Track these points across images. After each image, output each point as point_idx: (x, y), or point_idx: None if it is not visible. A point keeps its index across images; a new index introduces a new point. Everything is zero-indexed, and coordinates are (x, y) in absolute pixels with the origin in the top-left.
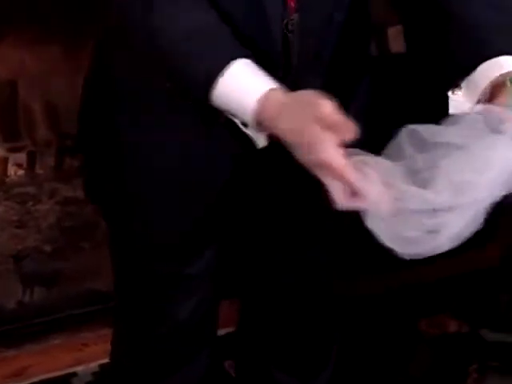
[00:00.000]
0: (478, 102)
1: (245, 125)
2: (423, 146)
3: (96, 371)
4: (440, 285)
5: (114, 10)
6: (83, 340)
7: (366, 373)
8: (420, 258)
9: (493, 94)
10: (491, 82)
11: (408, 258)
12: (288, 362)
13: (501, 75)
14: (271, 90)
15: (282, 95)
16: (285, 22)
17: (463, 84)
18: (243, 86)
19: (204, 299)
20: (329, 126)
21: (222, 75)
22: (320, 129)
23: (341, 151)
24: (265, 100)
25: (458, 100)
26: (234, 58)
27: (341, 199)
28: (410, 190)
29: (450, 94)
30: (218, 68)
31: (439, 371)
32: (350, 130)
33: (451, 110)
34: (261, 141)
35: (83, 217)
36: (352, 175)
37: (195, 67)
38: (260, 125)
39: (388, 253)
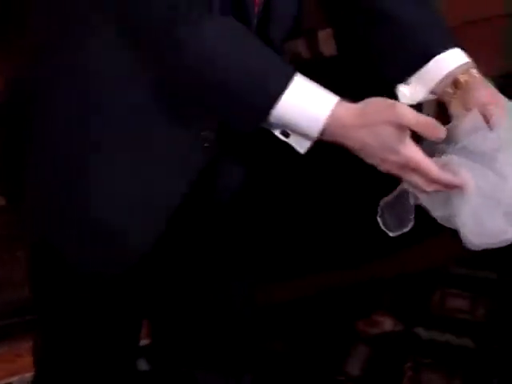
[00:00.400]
0: (432, 92)
1: (285, 135)
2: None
3: (31, 382)
4: (375, 285)
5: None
6: (17, 351)
7: (303, 372)
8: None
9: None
10: (450, 75)
11: (478, 249)
12: (209, 364)
13: (459, 67)
14: (338, 101)
15: (349, 104)
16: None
17: (412, 78)
18: (310, 100)
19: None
20: (404, 128)
21: (285, 93)
22: (399, 131)
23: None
24: (336, 111)
25: (408, 91)
26: (292, 74)
27: (426, 188)
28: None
29: (399, 86)
30: (281, 87)
31: (376, 370)
32: (437, 128)
33: (403, 100)
34: (304, 147)
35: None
36: (443, 174)
37: (251, 91)
38: (328, 135)
39: (321, 254)
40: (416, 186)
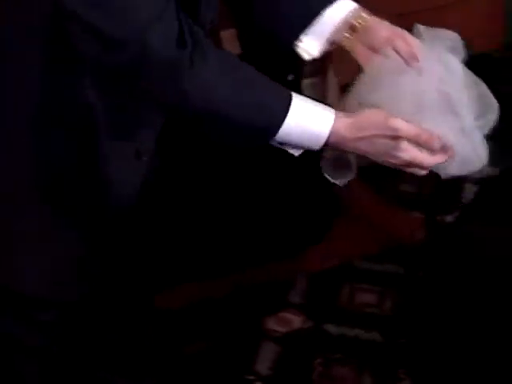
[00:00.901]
0: (333, 42)
1: (280, 143)
2: None
3: None
4: (283, 283)
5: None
6: None
7: (213, 373)
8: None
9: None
10: (343, 22)
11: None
12: (113, 368)
13: (349, 13)
14: (336, 115)
15: (345, 118)
16: None
17: (308, 34)
18: (310, 119)
19: None
20: (399, 137)
21: (287, 117)
22: (395, 141)
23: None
24: (336, 127)
25: (306, 47)
26: (290, 97)
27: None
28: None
29: (297, 43)
30: (283, 113)
31: (286, 368)
32: (431, 137)
33: (304, 56)
34: (299, 151)
35: None
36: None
37: (256, 121)
38: (329, 146)
39: (227, 255)
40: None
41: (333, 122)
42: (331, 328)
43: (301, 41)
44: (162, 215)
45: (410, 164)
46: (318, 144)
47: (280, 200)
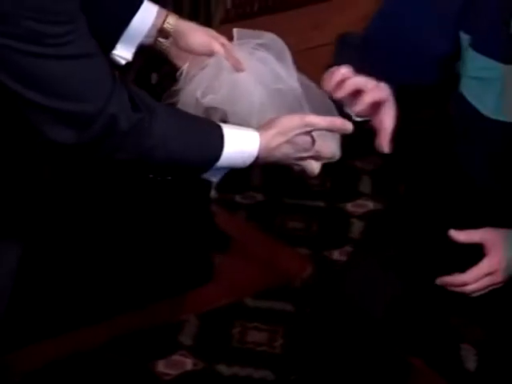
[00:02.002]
0: (150, 47)
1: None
2: None
3: None
4: (172, 325)
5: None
6: None
7: None
8: None
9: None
10: (153, 28)
11: None
12: None
13: (156, 18)
14: (259, 132)
15: (266, 131)
16: None
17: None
18: (241, 144)
19: None
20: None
21: (223, 150)
22: (310, 136)
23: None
24: (262, 142)
25: (120, 54)
26: (221, 132)
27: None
28: None
29: (113, 51)
30: (220, 147)
31: None
32: (344, 122)
33: (120, 62)
34: (218, 177)
35: None
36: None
37: (198, 158)
38: (258, 160)
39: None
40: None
41: (259, 138)
42: (223, 368)
43: (116, 49)
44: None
45: (314, 155)
46: (250, 161)
47: (162, 240)
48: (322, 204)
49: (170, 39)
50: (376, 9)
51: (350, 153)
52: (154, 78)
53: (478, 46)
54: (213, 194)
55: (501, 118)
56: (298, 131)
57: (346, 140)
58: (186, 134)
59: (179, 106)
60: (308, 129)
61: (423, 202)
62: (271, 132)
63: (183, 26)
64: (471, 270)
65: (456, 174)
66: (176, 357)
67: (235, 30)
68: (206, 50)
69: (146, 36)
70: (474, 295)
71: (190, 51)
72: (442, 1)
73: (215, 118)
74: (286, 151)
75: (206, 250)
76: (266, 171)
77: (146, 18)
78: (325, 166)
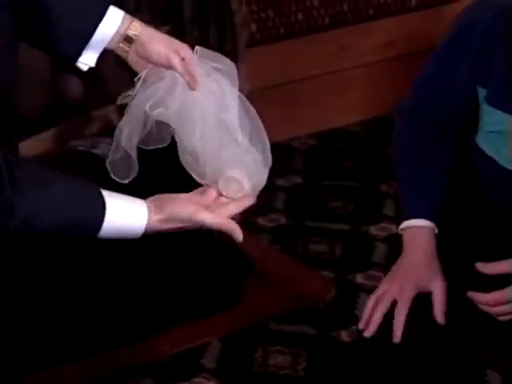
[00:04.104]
0: (114, 51)
1: None
2: None
3: None
4: (194, 348)
5: None
6: None
7: None
8: None
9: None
10: (117, 34)
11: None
12: None
13: (121, 25)
14: (148, 207)
15: (157, 213)
16: None
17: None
18: (127, 218)
19: None
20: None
21: (104, 221)
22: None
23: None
24: (149, 222)
25: (84, 61)
26: (103, 201)
27: None
28: None
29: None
30: (100, 217)
31: None
32: (237, 232)
33: (83, 68)
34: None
35: None
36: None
37: (79, 226)
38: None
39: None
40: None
41: (147, 216)
42: None
43: (81, 56)
44: None
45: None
46: (138, 235)
47: (185, 264)
48: (345, 227)
49: (132, 46)
50: (399, 35)
51: (374, 177)
52: None
53: (491, 100)
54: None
55: None
56: (183, 224)
57: (370, 165)
58: (59, 208)
59: (129, 111)
60: (195, 225)
61: (452, 232)
62: (158, 217)
63: (146, 34)
64: (494, 293)
65: (483, 206)
66: (199, 379)
67: (198, 48)
68: (163, 62)
69: (109, 42)
70: (501, 319)
71: (148, 60)
72: (463, 58)
73: (164, 130)
74: (171, 228)
75: (229, 273)
76: (289, 194)
77: (112, 24)
78: (349, 190)
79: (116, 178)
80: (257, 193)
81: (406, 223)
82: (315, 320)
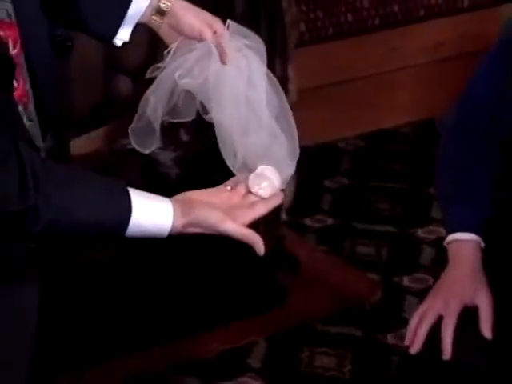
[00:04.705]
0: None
1: None
2: None
3: None
4: (240, 348)
5: None
6: None
7: None
8: None
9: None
10: (149, 7)
11: None
12: None
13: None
14: (173, 206)
15: (180, 210)
16: None
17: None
18: (153, 215)
19: None
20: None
21: (131, 218)
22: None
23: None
24: (175, 220)
25: (119, 37)
26: (129, 197)
27: None
28: None
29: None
30: (127, 215)
31: None
32: (259, 244)
33: (117, 43)
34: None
35: None
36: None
37: (103, 226)
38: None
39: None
40: None
41: (172, 213)
42: None
43: (118, 32)
44: None
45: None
46: (164, 235)
47: (236, 266)
48: (392, 229)
49: (165, 18)
50: (450, 36)
51: (423, 179)
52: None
53: None
54: (283, 216)
55: None
56: (207, 231)
57: (418, 167)
58: (85, 210)
59: (158, 81)
60: (219, 234)
61: (498, 246)
62: (183, 212)
63: (178, 6)
64: None
65: None
66: (244, 379)
67: (230, 23)
68: (195, 34)
69: (142, 15)
70: None
71: (180, 33)
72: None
73: (191, 104)
74: (195, 232)
75: (275, 273)
76: (336, 195)
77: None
78: (397, 192)
79: (136, 147)
80: (283, 187)
81: (451, 237)
82: (361, 322)
